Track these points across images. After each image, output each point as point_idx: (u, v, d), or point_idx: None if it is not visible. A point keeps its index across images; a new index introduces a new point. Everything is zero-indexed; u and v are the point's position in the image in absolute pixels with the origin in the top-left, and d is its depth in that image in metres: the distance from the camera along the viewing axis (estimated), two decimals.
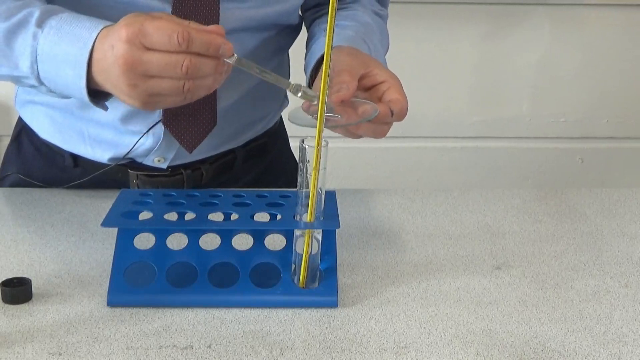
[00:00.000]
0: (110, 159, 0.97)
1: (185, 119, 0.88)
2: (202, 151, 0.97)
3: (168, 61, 0.69)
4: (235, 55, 0.72)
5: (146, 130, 0.92)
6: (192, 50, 0.69)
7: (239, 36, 0.91)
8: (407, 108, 0.79)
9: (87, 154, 0.98)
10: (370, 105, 0.78)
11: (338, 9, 1.01)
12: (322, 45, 0.88)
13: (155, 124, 0.92)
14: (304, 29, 1.05)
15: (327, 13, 0.86)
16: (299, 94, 0.76)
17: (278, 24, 0.96)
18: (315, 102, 0.76)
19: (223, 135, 0.99)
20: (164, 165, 0.98)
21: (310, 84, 0.89)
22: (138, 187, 1.00)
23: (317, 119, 0.69)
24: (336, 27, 0.94)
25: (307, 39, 1.01)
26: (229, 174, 1.05)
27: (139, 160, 0.97)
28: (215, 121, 0.92)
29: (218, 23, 0.87)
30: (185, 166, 1.00)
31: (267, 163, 1.10)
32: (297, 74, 1.09)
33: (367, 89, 0.81)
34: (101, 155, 0.97)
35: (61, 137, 0.99)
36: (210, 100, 0.90)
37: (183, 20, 0.71)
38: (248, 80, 0.97)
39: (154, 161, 0.97)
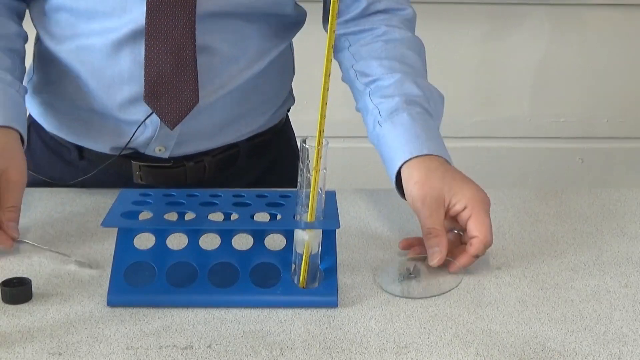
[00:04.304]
0: (112, 149, 0.98)
1: (166, 96, 0.90)
2: (205, 139, 0.98)
3: None
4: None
5: (143, 119, 0.93)
6: None
7: (229, 21, 0.91)
8: (489, 241, 0.80)
9: (90, 145, 1.00)
10: (453, 279, 0.78)
11: (364, 31, 0.98)
12: (397, 151, 0.88)
13: (152, 113, 0.92)
14: (307, 23, 1.03)
15: (356, 33, 0.90)
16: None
17: (270, 14, 0.96)
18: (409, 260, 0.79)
19: (227, 119, 0.99)
20: (166, 155, 0.99)
21: (398, 186, 0.88)
22: (141, 179, 1.01)
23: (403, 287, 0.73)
24: (379, 90, 0.95)
25: (362, 112, 0.98)
26: (232, 169, 1.05)
27: (141, 150, 0.99)
28: (197, 98, 0.92)
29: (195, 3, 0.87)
30: (187, 158, 1.00)
31: (271, 161, 1.10)
32: (300, 71, 1.10)
33: (450, 218, 0.83)
34: (103, 145, 0.99)
35: (66, 128, 1.01)
36: (191, 78, 0.90)
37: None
38: (252, 67, 0.97)
39: (155, 150, 0.98)
